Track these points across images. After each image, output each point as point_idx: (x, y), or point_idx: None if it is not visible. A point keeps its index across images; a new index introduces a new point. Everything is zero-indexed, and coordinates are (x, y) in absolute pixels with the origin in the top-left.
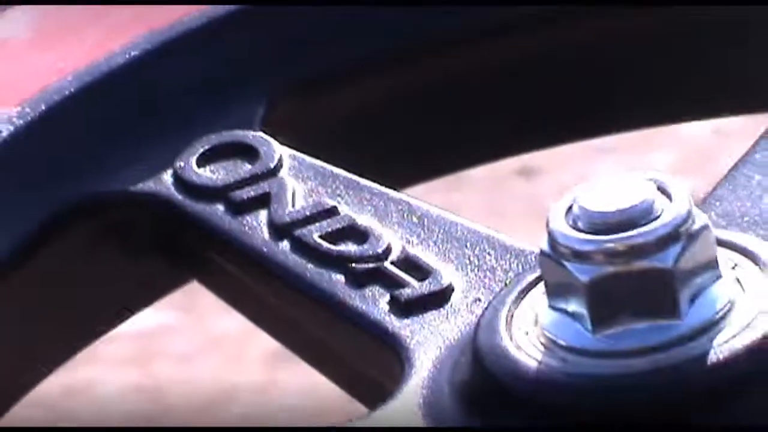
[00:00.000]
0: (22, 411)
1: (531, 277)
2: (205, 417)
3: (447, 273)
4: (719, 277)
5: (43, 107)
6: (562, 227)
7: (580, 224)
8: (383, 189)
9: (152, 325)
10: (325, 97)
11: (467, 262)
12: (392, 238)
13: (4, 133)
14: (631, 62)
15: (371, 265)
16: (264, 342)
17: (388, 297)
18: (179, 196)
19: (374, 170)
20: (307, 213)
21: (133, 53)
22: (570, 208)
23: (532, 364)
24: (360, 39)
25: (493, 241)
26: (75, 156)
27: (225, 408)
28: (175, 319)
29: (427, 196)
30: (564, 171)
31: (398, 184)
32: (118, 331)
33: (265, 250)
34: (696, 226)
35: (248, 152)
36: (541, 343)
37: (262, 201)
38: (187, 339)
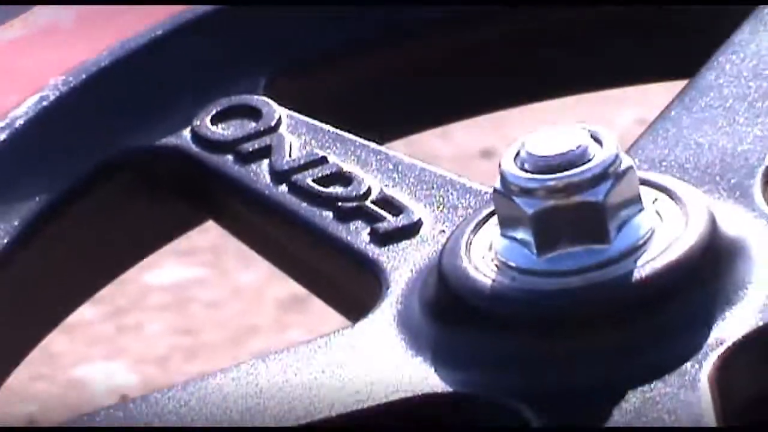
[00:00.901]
0: (84, 348)
1: (486, 212)
2: (232, 350)
3: (417, 209)
4: (642, 209)
5: (83, 77)
6: (511, 168)
7: (526, 166)
8: (365, 141)
9: (186, 279)
10: (315, 68)
11: (434, 200)
12: (372, 181)
13: (51, 98)
14: (561, 42)
15: (354, 204)
16: (277, 291)
17: (368, 230)
18: (196, 149)
19: (357, 127)
20: (302, 162)
21: (158, 33)
22: (518, 153)
23: (488, 282)
24: (343, 25)
25: (455, 183)
26: (110, 118)
27: (247, 342)
28: (204, 274)
29: None
30: None
31: (378, 138)
32: (159, 284)
33: (267, 192)
34: (622, 168)
35: (253, 113)
36: (495, 265)
37: (265, 152)
38: (215, 289)
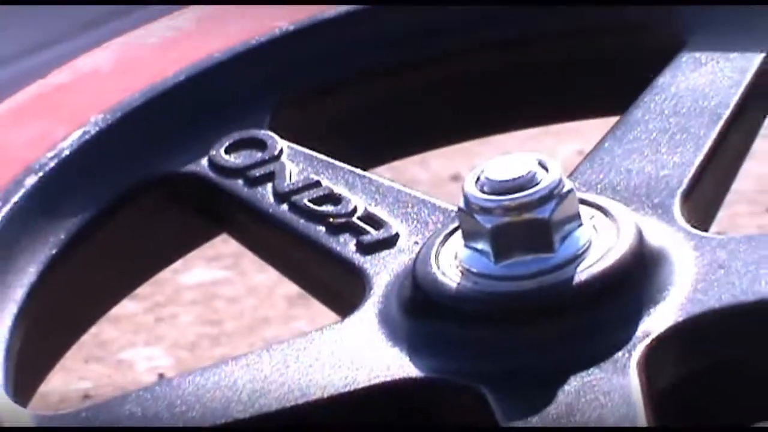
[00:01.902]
0: (129, 336)
1: (452, 227)
2: (248, 337)
3: (395, 225)
4: (581, 224)
5: (119, 114)
6: (473, 191)
7: (485, 188)
8: (352, 168)
9: (212, 279)
10: (310, 107)
11: (409, 217)
12: (358, 201)
13: (92, 132)
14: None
15: (343, 220)
16: (285, 290)
17: (355, 241)
18: (213, 174)
19: (346, 156)
20: (299, 185)
21: (180, 78)
22: (479, 177)
23: (454, 285)
24: (329, 68)
25: (426, 202)
26: (141, 148)
27: (261, 332)
28: (226, 275)
29: None
30: None
31: (363, 165)
32: (190, 283)
33: (271, 210)
34: (565, 190)
35: (259, 144)
36: (460, 271)
37: (269, 177)
38: (235, 287)
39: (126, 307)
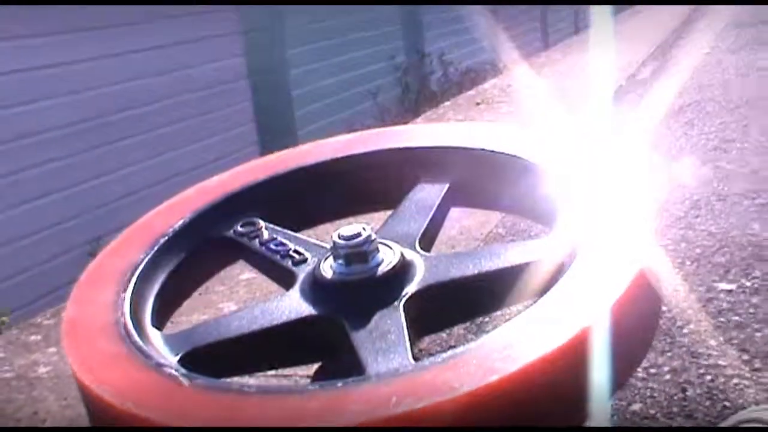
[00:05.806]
0: (220, 298)
1: (329, 254)
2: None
3: (306, 254)
4: (379, 251)
5: (197, 214)
6: (336, 239)
7: (341, 237)
8: (290, 232)
9: (252, 277)
10: (273, 211)
11: (312, 250)
12: (292, 245)
13: (188, 220)
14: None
15: (287, 252)
16: None
17: (291, 261)
18: (235, 236)
19: (288, 226)
20: (269, 239)
21: (221, 199)
22: (339, 233)
23: (329, 275)
24: (281, 196)
25: (318, 245)
26: (208, 226)
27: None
28: (256, 276)
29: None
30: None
31: (295, 229)
32: (243, 279)
33: (257, 250)
34: (373, 238)
35: (254, 223)
36: (332, 271)
37: (258, 236)
38: (259, 280)
39: (218, 287)
